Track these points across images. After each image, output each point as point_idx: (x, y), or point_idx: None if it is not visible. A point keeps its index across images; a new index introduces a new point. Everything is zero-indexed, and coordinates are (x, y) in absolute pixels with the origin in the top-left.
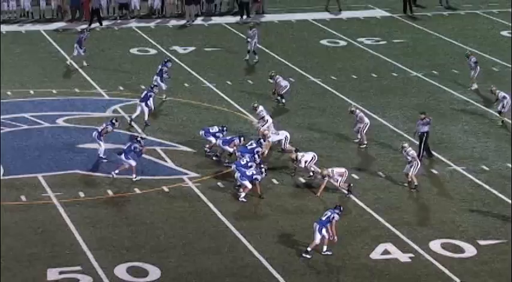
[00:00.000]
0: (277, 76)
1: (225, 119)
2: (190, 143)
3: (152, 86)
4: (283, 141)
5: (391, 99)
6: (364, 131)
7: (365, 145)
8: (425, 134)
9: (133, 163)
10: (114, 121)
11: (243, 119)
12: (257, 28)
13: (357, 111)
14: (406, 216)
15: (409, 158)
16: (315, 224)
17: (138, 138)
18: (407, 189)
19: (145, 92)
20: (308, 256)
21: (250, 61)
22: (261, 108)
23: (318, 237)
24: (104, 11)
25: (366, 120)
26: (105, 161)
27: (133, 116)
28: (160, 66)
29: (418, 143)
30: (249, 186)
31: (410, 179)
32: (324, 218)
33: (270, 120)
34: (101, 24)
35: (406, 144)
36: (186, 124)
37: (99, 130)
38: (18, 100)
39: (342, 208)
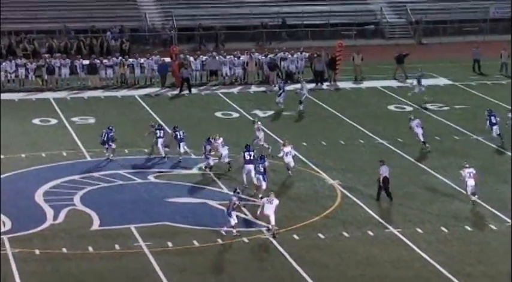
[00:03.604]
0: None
1: (300, 177)
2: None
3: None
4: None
5: (452, 160)
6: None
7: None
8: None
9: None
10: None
11: (316, 177)
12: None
13: (258, 124)
14: (467, 267)
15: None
16: None
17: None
18: (467, 242)
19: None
20: None
21: None
22: None
23: None
24: (195, 77)
25: (261, 134)
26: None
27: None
28: None
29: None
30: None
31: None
32: None
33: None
34: (190, 92)
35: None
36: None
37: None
38: (114, 158)
39: None
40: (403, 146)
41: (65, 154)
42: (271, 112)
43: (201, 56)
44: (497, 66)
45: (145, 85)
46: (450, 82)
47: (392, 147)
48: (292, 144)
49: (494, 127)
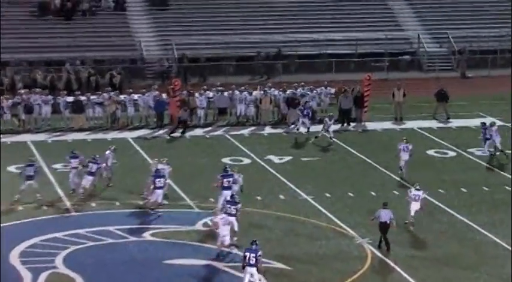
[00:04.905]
0: None
1: (323, 234)
2: (285, 260)
3: None
4: None
5: (504, 215)
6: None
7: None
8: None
9: None
10: None
11: (342, 235)
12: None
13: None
14: None
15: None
16: None
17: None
18: None
19: None
20: None
21: None
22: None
23: None
24: (200, 117)
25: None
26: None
27: None
28: None
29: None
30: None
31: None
32: None
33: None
34: (183, 134)
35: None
36: (281, 239)
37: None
38: (103, 212)
39: None
40: (445, 197)
41: (45, 207)
42: (288, 158)
43: (207, 92)
44: None
45: (139, 125)
46: (500, 123)
47: (433, 200)
48: (314, 195)
49: (488, 142)
